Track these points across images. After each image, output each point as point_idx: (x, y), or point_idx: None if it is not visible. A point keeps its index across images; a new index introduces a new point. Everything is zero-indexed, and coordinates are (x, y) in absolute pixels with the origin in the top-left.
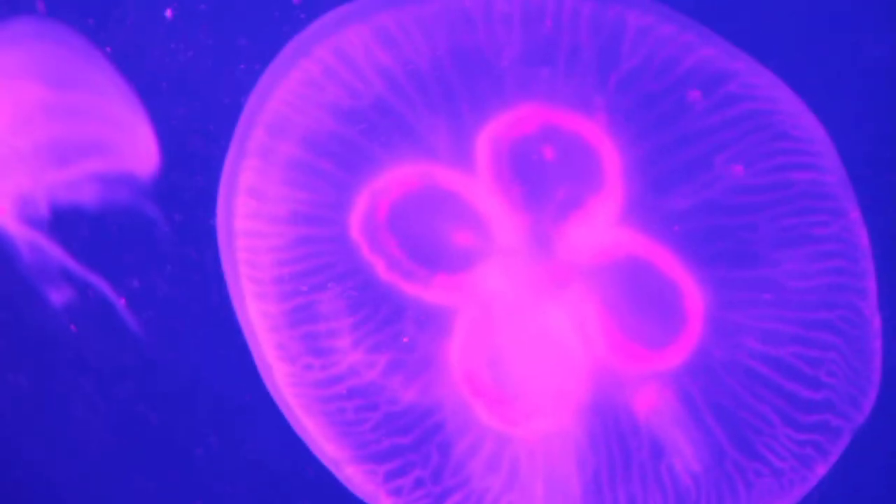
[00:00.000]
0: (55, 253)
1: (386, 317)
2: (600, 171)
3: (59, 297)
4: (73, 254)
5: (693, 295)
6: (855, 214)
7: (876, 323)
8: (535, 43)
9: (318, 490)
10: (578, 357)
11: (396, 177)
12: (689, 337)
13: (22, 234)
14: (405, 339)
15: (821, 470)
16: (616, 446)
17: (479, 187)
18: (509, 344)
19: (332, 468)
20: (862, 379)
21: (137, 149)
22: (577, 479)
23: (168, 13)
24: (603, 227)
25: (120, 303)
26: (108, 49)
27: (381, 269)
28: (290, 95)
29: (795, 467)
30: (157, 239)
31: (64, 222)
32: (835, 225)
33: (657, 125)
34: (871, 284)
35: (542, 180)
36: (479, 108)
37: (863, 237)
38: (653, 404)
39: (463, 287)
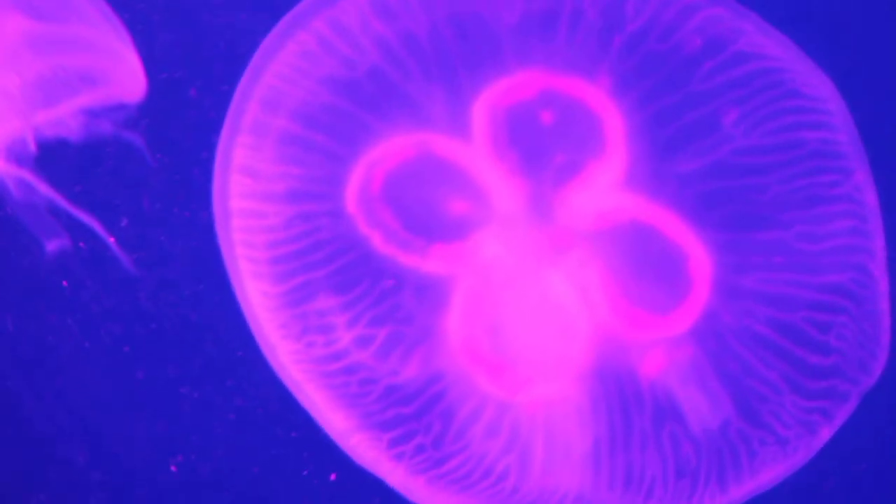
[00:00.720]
0: (43, 191)
1: (384, 290)
2: (601, 135)
3: (47, 236)
4: (62, 192)
5: (700, 259)
6: (864, 173)
7: (884, 284)
8: (536, 7)
9: (306, 441)
10: (580, 323)
11: (392, 147)
12: (696, 302)
13: (9, 173)
14: (404, 312)
15: (825, 434)
16: (618, 412)
17: (476, 154)
18: (509, 312)
19: (337, 437)
20: (872, 342)
21: (125, 77)
22: (576, 445)
23: None
24: (605, 191)
25: (110, 242)
26: None
27: (378, 241)
28: (286, 68)
29: (801, 434)
30: (147, 179)
31: (51, 159)
32: (846, 184)
33: (663, 87)
34: (879, 244)
35: (540, 146)
36: (476, 75)
37: (871, 196)
38: (657, 370)
39: (460, 256)
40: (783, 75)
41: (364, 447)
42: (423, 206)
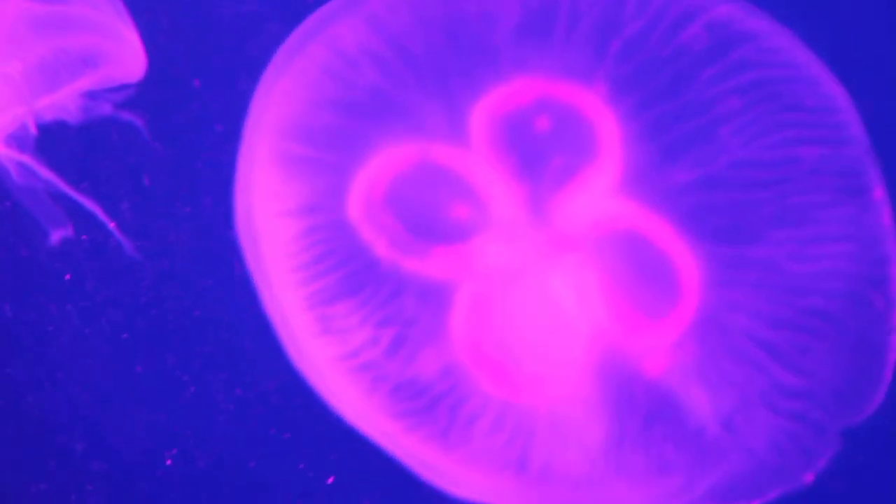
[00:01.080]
0: (44, 176)
1: (389, 294)
2: (595, 141)
3: (48, 223)
4: (62, 176)
5: (690, 269)
6: (878, 192)
7: (893, 316)
8: (532, 14)
9: (303, 435)
10: (579, 325)
11: (392, 158)
12: (685, 309)
13: (9, 157)
14: (408, 314)
15: (805, 473)
16: (614, 412)
17: (475, 161)
18: (510, 314)
19: (351, 424)
20: (861, 377)
21: (127, 57)
22: (575, 441)
23: None
24: (600, 196)
25: (111, 228)
26: None
27: (381, 248)
28: (286, 95)
29: (770, 454)
30: (150, 170)
31: (52, 146)
32: (849, 205)
33: (660, 94)
34: (891, 271)
35: (537, 151)
36: (473, 84)
37: (885, 218)
38: (648, 372)
39: (462, 260)
40: (786, 86)
41: (374, 433)
42: (424, 213)
